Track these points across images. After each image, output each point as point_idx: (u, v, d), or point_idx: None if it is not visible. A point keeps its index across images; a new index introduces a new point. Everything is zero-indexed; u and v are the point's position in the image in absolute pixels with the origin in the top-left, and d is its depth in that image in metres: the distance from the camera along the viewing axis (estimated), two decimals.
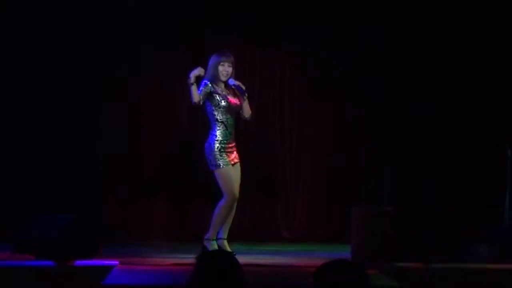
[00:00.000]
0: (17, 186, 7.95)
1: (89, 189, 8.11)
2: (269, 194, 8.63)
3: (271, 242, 8.14)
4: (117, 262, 6.00)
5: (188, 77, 6.52)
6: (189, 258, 5.08)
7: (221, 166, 6.62)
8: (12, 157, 8.01)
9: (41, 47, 8.03)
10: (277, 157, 8.65)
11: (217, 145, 6.64)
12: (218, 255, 3.10)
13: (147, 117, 8.46)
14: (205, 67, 6.77)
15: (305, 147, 8.67)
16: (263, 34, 8.46)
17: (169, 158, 8.48)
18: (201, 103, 6.61)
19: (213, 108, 6.68)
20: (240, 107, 6.77)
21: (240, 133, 7.08)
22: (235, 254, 6.92)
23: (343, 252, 6.68)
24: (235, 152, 6.76)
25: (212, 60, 6.78)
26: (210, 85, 6.66)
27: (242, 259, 6.70)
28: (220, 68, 6.72)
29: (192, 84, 6.52)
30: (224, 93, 6.71)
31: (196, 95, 6.54)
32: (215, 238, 6.72)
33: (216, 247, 6.71)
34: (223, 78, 6.70)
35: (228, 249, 6.71)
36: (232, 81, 6.74)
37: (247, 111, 6.82)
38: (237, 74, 6.92)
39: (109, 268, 5.78)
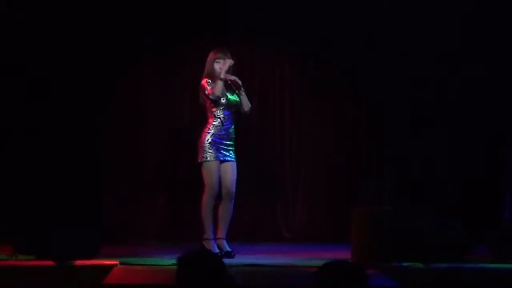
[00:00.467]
0: (17, 186, 7.94)
1: (89, 189, 8.11)
2: (269, 194, 8.63)
3: (271, 242, 8.14)
4: (117, 262, 6.00)
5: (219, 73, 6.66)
6: None
7: (207, 159, 6.66)
8: (12, 157, 8.01)
9: (41, 47, 8.03)
10: (277, 157, 8.65)
11: (207, 137, 6.68)
12: (199, 256, 3.07)
13: (147, 117, 8.46)
14: (204, 65, 6.80)
15: (305, 147, 8.67)
16: (263, 34, 8.45)
17: (169, 158, 8.49)
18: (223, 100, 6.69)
19: (212, 104, 6.70)
20: (238, 103, 6.79)
21: (241, 133, 7.07)
22: (234, 254, 6.94)
23: (343, 252, 6.67)
24: (230, 152, 6.75)
25: (209, 56, 6.81)
26: (209, 81, 6.69)
27: (242, 259, 6.73)
28: (216, 65, 6.75)
29: (223, 79, 6.65)
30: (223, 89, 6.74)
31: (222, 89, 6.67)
32: (213, 237, 6.73)
33: (214, 246, 6.72)
34: (219, 76, 6.71)
35: (228, 248, 6.72)
36: (229, 77, 6.76)
37: (246, 105, 6.84)
38: (237, 74, 6.92)
39: (109, 268, 5.78)
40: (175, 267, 3.08)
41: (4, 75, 8.04)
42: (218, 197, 6.83)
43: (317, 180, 8.64)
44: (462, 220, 6.86)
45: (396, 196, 8.27)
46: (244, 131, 8.00)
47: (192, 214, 8.31)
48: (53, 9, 8.02)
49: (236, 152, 6.87)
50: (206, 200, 6.71)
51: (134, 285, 5.33)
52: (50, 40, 8.03)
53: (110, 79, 8.25)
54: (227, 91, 6.77)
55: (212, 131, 6.69)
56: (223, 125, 6.69)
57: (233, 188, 6.82)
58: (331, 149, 8.61)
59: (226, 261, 6.37)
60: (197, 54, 7.85)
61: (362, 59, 8.45)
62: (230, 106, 6.74)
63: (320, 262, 2.93)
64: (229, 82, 6.77)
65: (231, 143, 6.77)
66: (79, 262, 5.86)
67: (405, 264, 6.06)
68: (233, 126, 6.79)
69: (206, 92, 6.67)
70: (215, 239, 6.75)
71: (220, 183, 6.78)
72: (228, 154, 6.75)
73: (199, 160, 6.72)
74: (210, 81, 6.71)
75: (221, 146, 6.70)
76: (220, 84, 6.63)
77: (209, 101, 6.73)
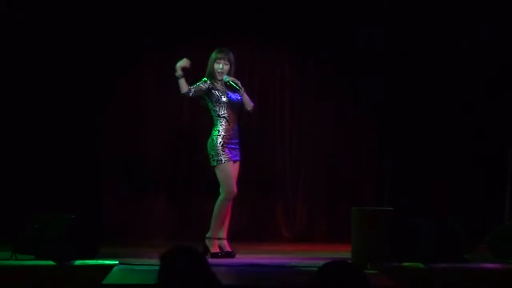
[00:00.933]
0: (17, 186, 7.95)
1: (89, 189, 8.12)
2: (269, 194, 8.64)
3: (271, 242, 8.15)
4: (117, 262, 5.99)
5: (175, 69, 6.54)
6: None
7: (223, 162, 6.62)
8: (12, 157, 8.01)
9: (41, 47, 8.04)
10: (277, 157, 8.65)
11: (219, 140, 6.66)
12: (181, 254, 3.06)
13: (147, 117, 8.47)
14: (204, 66, 6.79)
15: (305, 147, 8.68)
16: (263, 34, 8.46)
17: (169, 158, 8.49)
18: (190, 94, 6.63)
19: (214, 104, 6.71)
20: (241, 102, 6.79)
21: (241, 133, 7.07)
22: (234, 254, 6.94)
23: (343, 252, 6.67)
24: (237, 150, 6.77)
25: (211, 57, 6.83)
26: (209, 81, 6.71)
27: (242, 259, 6.73)
28: (216, 65, 6.76)
29: (179, 76, 6.57)
30: (223, 89, 6.73)
31: (185, 86, 6.59)
32: (216, 237, 6.73)
33: (215, 246, 6.72)
34: (218, 76, 6.72)
35: (228, 249, 6.72)
36: (226, 78, 6.76)
37: (247, 104, 6.85)
38: (237, 74, 6.92)
39: (109, 268, 5.78)
40: None
41: (4, 75, 8.04)
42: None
43: (317, 180, 8.65)
44: (462, 220, 6.86)
45: (396, 196, 8.27)
46: (244, 131, 8.00)
47: (192, 213, 8.33)
48: (53, 9, 8.03)
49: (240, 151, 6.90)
50: (224, 202, 6.66)
51: (134, 285, 5.32)
52: (50, 40, 8.03)
53: (110, 79, 8.25)
54: (229, 90, 6.77)
55: (223, 133, 6.67)
56: (229, 124, 6.70)
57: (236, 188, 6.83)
58: (331, 149, 8.61)
59: (226, 261, 6.43)
60: (197, 54, 7.86)
61: (362, 59, 8.45)
62: (233, 105, 6.74)
63: (320, 262, 2.93)
64: (227, 84, 6.78)
65: (237, 141, 6.79)
66: (79, 262, 5.86)
67: (405, 264, 6.06)
68: (237, 125, 6.81)
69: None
70: (217, 239, 6.75)
71: None
72: (236, 153, 6.76)
73: (214, 164, 6.67)
74: (205, 79, 6.72)
75: (231, 146, 6.71)
76: (180, 82, 6.64)
77: (211, 102, 6.73)
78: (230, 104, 6.71)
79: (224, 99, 6.69)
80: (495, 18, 8.25)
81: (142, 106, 8.45)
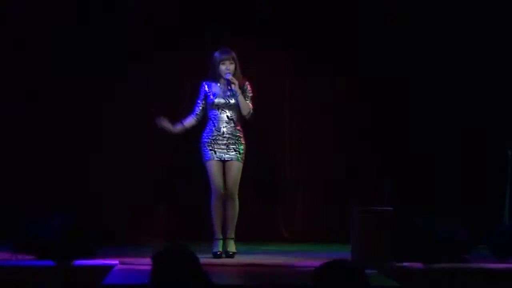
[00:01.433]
0: (17, 186, 7.94)
1: (89, 189, 8.11)
2: (269, 194, 8.63)
3: (271, 242, 8.14)
4: (117, 262, 6.00)
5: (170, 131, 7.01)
6: None
7: (205, 160, 6.87)
8: (12, 157, 8.01)
9: (41, 47, 8.02)
10: (277, 157, 8.65)
11: (202, 139, 6.90)
12: (173, 254, 3.06)
13: (147, 117, 8.45)
14: (205, 67, 6.81)
15: (305, 147, 8.67)
16: (263, 34, 8.45)
17: (169, 158, 8.48)
18: (200, 114, 6.97)
19: (207, 106, 6.83)
20: (229, 104, 6.82)
21: (245, 133, 7.10)
22: (234, 254, 6.94)
23: (343, 252, 6.67)
24: (230, 151, 6.80)
25: (213, 59, 6.86)
26: (205, 85, 6.88)
27: (242, 259, 6.73)
28: (222, 67, 6.82)
29: (178, 129, 7.01)
30: (215, 90, 6.79)
31: (190, 121, 6.98)
32: (219, 237, 6.80)
33: (216, 246, 6.74)
34: (226, 76, 6.81)
35: (233, 249, 6.76)
36: (227, 75, 6.81)
37: (243, 109, 6.87)
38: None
39: (109, 268, 5.78)
40: None
41: (4, 75, 8.04)
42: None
43: (317, 180, 8.64)
44: (462, 220, 6.87)
45: (396, 196, 8.26)
46: (244, 131, 7.99)
47: (193, 213, 8.32)
48: (53, 9, 8.02)
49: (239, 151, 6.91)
50: (212, 201, 6.88)
51: (134, 285, 5.33)
52: (50, 40, 8.03)
53: (110, 79, 8.24)
54: (228, 90, 6.81)
55: (205, 133, 6.91)
56: (214, 125, 6.81)
57: (233, 188, 6.84)
58: (331, 149, 8.60)
59: (226, 261, 6.44)
60: (197, 54, 7.86)
61: (362, 59, 8.44)
62: (221, 106, 6.83)
63: (320, 262, 2.92)
64: (228, 87, 6.81)
65: (227, 141, 6.81)
66: (79, 262, 5.86)
67: (405, 264, 6.06)
68: (229, 126, 6.82)
69: None
70: (224, 239, 6.83)
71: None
72: (225, 153, 6.79)
73: (201, 162, 6.92)
74: (203, 85, 6.87)
75: (215, 146, 6.79)
76: (186, 126, 7.00)
77: (206, 103, 6.86)
78: (216, 105, 6.80)
79: (209, 99, 6.82)
80: (495, 18, 8.25)
81: (142, 106, 8.43)
